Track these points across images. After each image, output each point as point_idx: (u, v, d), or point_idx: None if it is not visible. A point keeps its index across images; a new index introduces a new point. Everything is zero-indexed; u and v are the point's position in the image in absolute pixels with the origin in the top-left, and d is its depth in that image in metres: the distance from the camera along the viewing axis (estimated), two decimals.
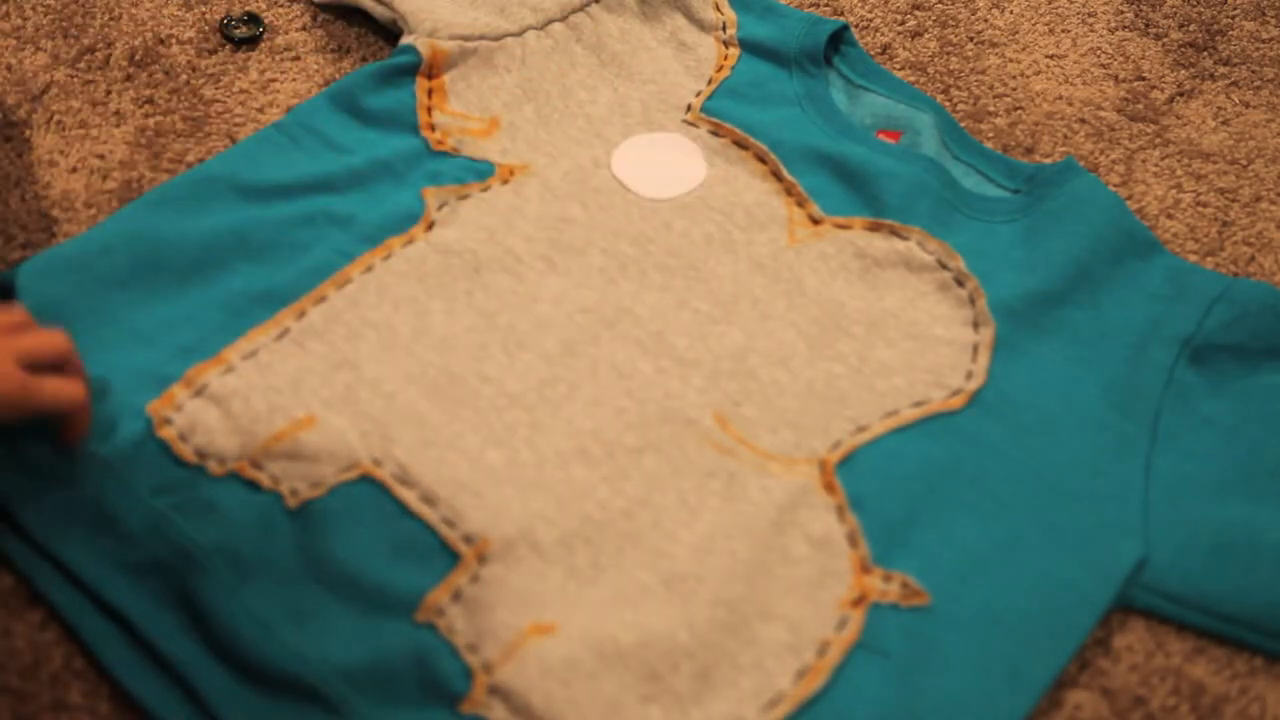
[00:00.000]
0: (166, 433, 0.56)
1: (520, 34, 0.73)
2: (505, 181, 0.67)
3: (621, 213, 0.67)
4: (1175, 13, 0.86)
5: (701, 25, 0.76)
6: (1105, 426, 0.60)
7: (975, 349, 0.63)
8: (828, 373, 0.61)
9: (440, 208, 0.65)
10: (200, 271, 0.61)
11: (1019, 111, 0.79)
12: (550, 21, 0.74)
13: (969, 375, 0.62)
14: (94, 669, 0.52)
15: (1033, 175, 0.70)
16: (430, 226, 0.65)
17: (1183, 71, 0.82)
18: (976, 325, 0.63)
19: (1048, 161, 0.76)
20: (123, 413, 0.56)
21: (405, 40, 0.72)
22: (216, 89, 0.74)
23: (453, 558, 0.53)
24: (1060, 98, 0.80)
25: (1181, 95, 0.81)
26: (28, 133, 0.70)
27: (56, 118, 0.71)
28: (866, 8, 0.84)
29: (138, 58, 0.74)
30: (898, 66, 0.80)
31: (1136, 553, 0.56)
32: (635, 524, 0.55)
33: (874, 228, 0.67)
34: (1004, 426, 0.60)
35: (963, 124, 0.77)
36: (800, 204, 0.68)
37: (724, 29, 0.76)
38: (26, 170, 0.68)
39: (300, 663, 0.50)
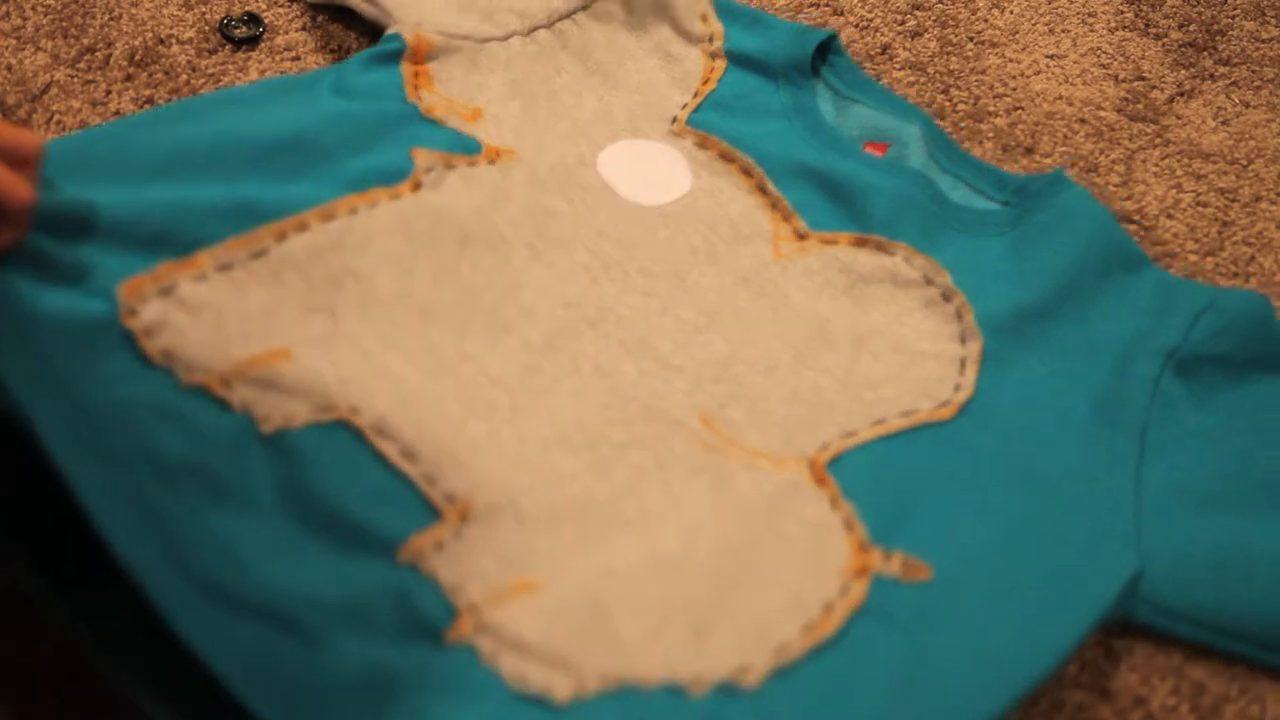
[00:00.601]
0: (133, 323, 0.53)
1: (505, 39, 0.72)
2: (492, 162, 0.66)
3: (606, 214, 0.66)
4: (1175, 13, 0.86)
5: (688, 37, 0.75)
6: (1094, 440, 0.60)
7: (963, 363, 0.62)
8: (814, 384, 0.61)
9: (428, 171, 0.64)
10: (174, 168, 0.59)
11: (1019, 111, 0.79)
12: (536, 28, 0.73)
13: (957, 388, 0.61)
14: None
15: (1022, 187, 0.70)
16: (417, 188, 0.63)
17: (1183, 71, 0.82)
18: (964, 339, 0.63)
19: (1048, 161, 0.76)
20: (91, 291, 0.53)
21: (390, 30, 0.71)
22: (216, 89, 0.74)
23: (434, 514, 0.52)
24: (1060, 98, 0.80)
25: (1181, 95, 0.81)
26: None
27: (56, 118, 0.71)
28: (866, 8, 0.84)
29: (138, 58, 0.74)
30: (898, 66, 0.80)
31: (1132, 565, 0.56)
32: (621, 511, 0.54)
33: (860, 243, 0.66)
34: (992, 437, 0.60)
35: (963, 124, 0.77)
36: (786, 219, 0.67)
37: (711, 40, 0.75)
38: None
39: (271, 591, 0.48)
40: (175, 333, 0.53)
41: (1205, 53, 0.84)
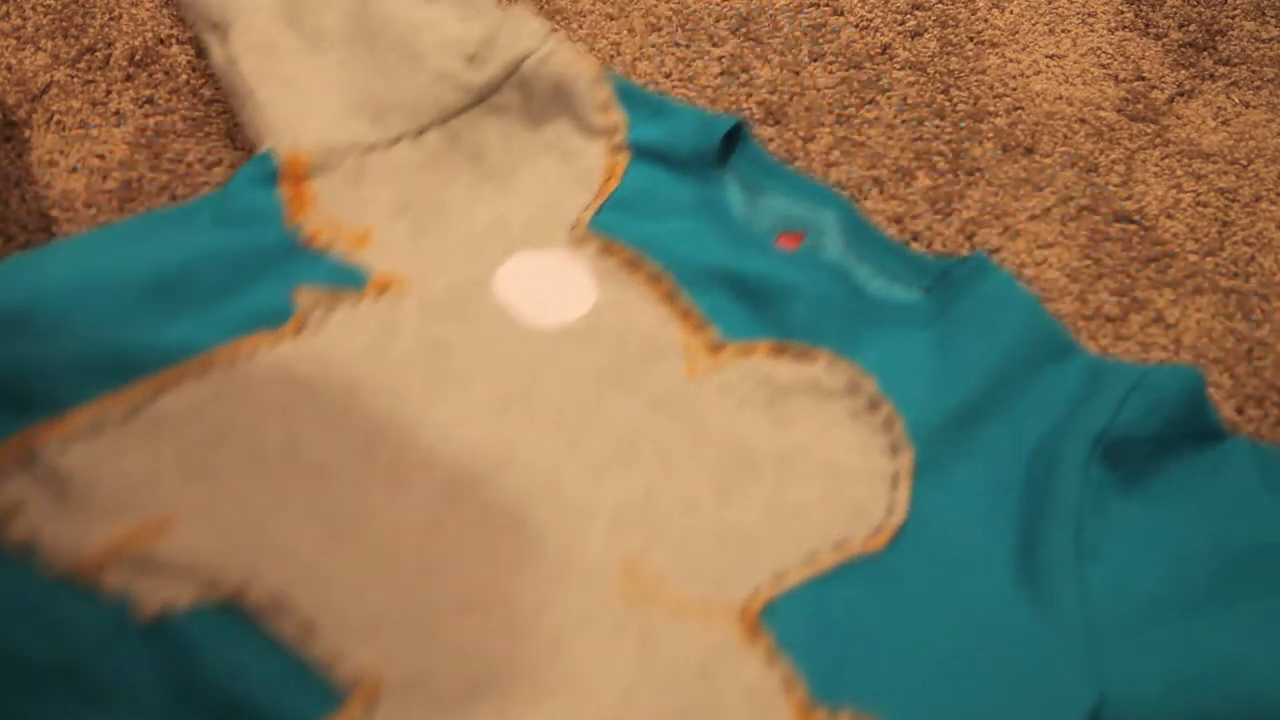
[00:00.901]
0: None
1: (391, 145, 0.67)
2: (381, 294, 0.61)
3: (506, 340, 0.61)
4: (1175, 13, 0.86)
5: (589, 130, 0.69)
6: (1032, 548, 0.56)
7: (895, 479, 0.58)
8: (738, 518, 0.57)
9: (312, 311, 0.60)
10: (33, 317, 0.53)
11: (1019, 111, 0.79)
12: (427, 128, 0.67)
13: (889, 510, 0.58)
14: None
15: (944, 273, 0.66)
16: (300, 330, 0.59)
17: (1183, 71, 0.82)
18: (894, 451, 0.59)
19: (1048, 161, 0.76)
20: None
21: (261, 150, 0.66)
22: (216, 89, 0.74)
23: (340, 698, 0.48)
24: (1060, 98, 0.80)
25: (1181, 95, 0.81)
26: (28, 133, 0.70)
27: (56, 118, 0.71)
28: (866, 8, 0.84)
29: (138, 58, 0.74)
30: (898, 66, 0.80)
31: (1092, 694, 0.52)
32: (543, 680, 0.50)
33: (778, 352, 0.62)
34: (929, 565, 0.56)
35: (963, 124, 0.77)
36: (698, 329, 0.63)
37: (613, 133, 0.69)
38: (26, 170, 0.68)
39: None
40: (37, 514, 0.49)
41: (1205, 53, 0.84)
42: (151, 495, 0.51)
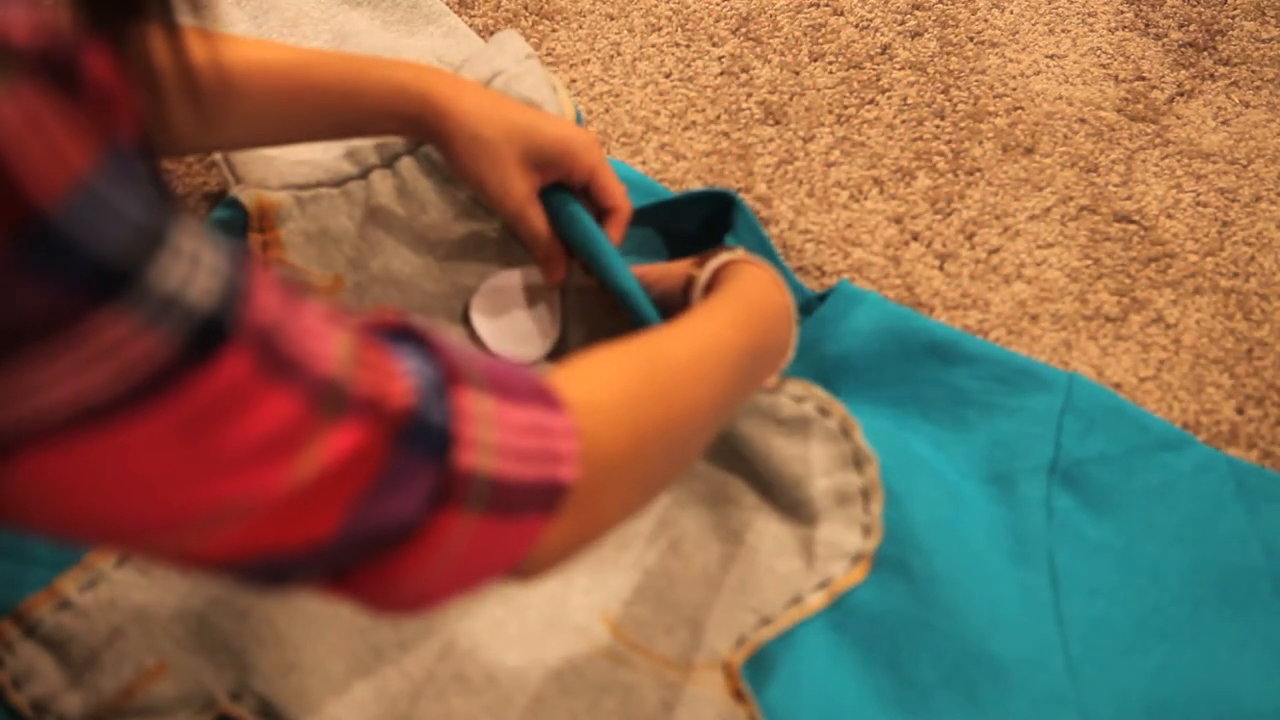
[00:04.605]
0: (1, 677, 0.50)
1: (364, 175, 0.67)
2: None
3: None
4: (1175, 13, 0.86)
5: None
6: (1005, 576, 0.56)
7: (865, 494, 0.58)
8: (722, 556, 0.56)
9: None
10: None
11: (1019, 111, 0.79)
12: (397, 157, 0.67)
13: (866, 531, 0.57)
14: None
15: (816, 306, 0.66)
16: None
17: (1183, 71, 0.82)
18: (858, 463, 0.59)
19: (1048, 161, 0.76)
20: None
21: (230, 193, 0.65)
22: None
23: None
24: (1060, 98, 0.80)
25: (1181, 95, 0.81)
26: None
27: None
28: (866, 8, 0.84)
29: None
30: (898, 66, 0.80)
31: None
32: None
33: None
34: (911, 587, 0.55)
35: (962, 124, 0.77)
36: None
37: None
38: None
39: None
40: (43, 682, 0.50)
41: (1205, 53, 0.84)
42: (149, 637, 0.51)
